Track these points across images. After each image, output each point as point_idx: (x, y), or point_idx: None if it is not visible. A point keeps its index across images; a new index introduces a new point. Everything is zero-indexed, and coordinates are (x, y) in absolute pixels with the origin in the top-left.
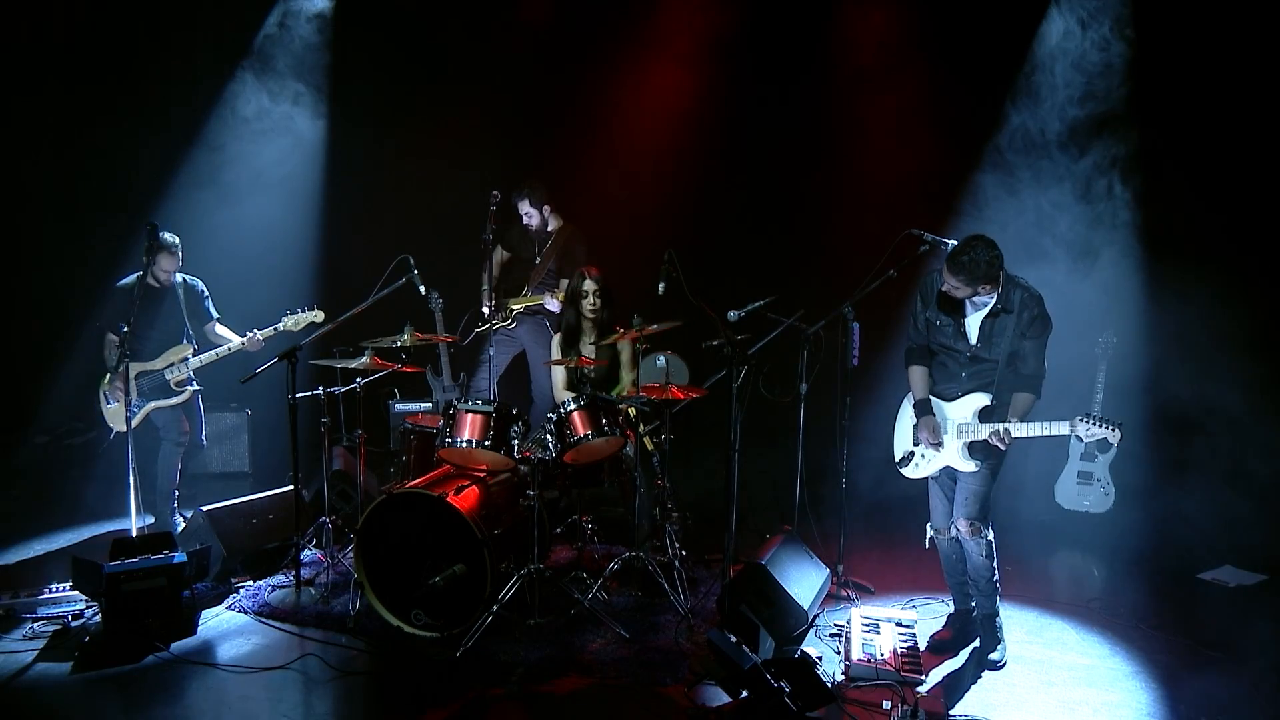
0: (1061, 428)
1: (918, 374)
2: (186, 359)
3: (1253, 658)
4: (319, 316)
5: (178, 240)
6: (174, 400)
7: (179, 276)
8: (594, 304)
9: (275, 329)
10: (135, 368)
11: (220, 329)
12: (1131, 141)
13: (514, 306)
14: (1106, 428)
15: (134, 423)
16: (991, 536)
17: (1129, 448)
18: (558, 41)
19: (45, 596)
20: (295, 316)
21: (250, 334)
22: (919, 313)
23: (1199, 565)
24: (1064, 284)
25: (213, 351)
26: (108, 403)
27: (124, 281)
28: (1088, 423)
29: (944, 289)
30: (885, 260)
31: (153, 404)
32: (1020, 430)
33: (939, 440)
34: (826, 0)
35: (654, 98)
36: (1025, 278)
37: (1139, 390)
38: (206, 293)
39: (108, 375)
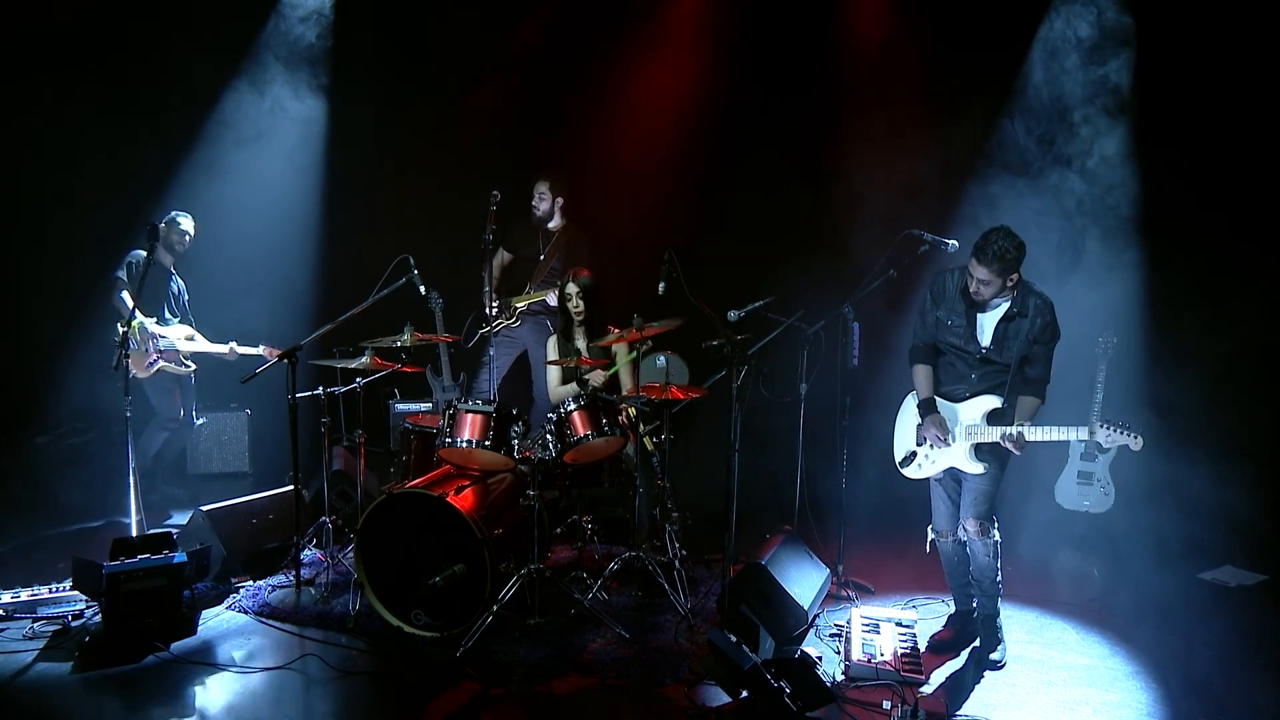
0: (1080, 433)
1: (922, 373)
2: (192, 338)
3: (1252, 658)
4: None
5: (189, 219)
6: (181, 370)
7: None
8: (578, 305)
9: (255, 351)
10: (154, 327)
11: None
12: (1133, 141)
13: (517, 304)
14: (1128, 434)
15: (153, 370)
16: (998, 537)
17: (1129, 448)
18: (559, 41)
19: (45, 596)
20: (270, 349)
21: (230, 345)
22: (928, 310)
23: (1199, 565)
24: (1063, 283)
25: (206, 347)
26: (131, 347)
27: (137, 253)
28: (1108, 428)
29: (971, 290)
30: (885, 260)
31: (165, 365)
32: (1035, 434)
33: (946, 439)
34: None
35: (655, 98)
36: (1036, 283)
37: (1139, 390)
38: (186, 295)
39: (130, 323)
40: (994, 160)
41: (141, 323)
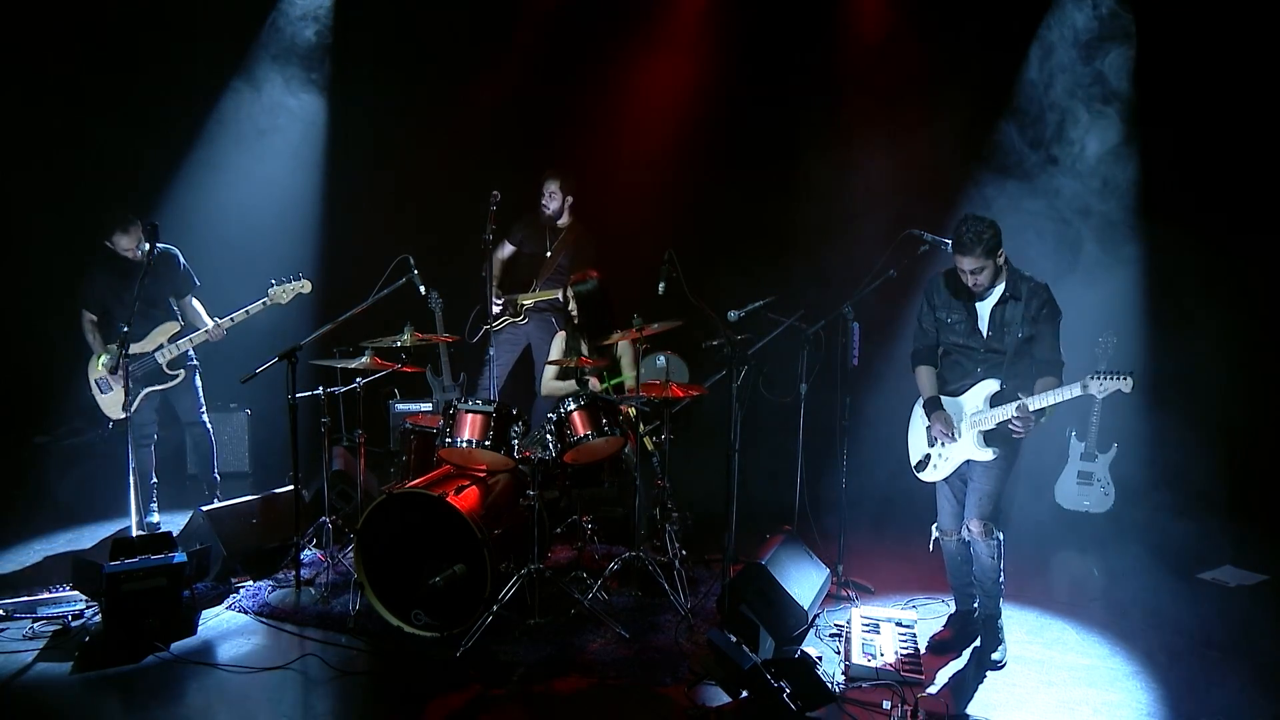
0: (1074, 390)
1: (925, 374)
2: (176, 339)
3: (1252, 657)
4: (306, 287)
5: (130, 216)
6: (168, 385)
7: (148, 245)
8: (573, 309)
9: (263, 303)
10: (130, 348)
11: (197, 304)
12: (1132, 138)
13: (524, 302)
14: (1118, 379)
15: (132, 408)
16: (1001, 538)
17: (1129, 448)
18: (560, 39)
19: (45, 596)
20: (282, 286)
21: (215, 322)
22: (925, 314)
23: (1199, 565)
24: (1065, 283)
25: (187, 337)
26: (101, 391)
27: (99, 258)
28: (1100, 379)
29: (970, 285)
30: (885, 260)
31: (146, 390)
32: (1035, 402)
33: (953, 433)
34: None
35: (654, 97)
36: (1027, 270)
37: (1138, 390)
38: (183, 261)
39: (95, 360)
40: (993, 159)
41: (105, 360)
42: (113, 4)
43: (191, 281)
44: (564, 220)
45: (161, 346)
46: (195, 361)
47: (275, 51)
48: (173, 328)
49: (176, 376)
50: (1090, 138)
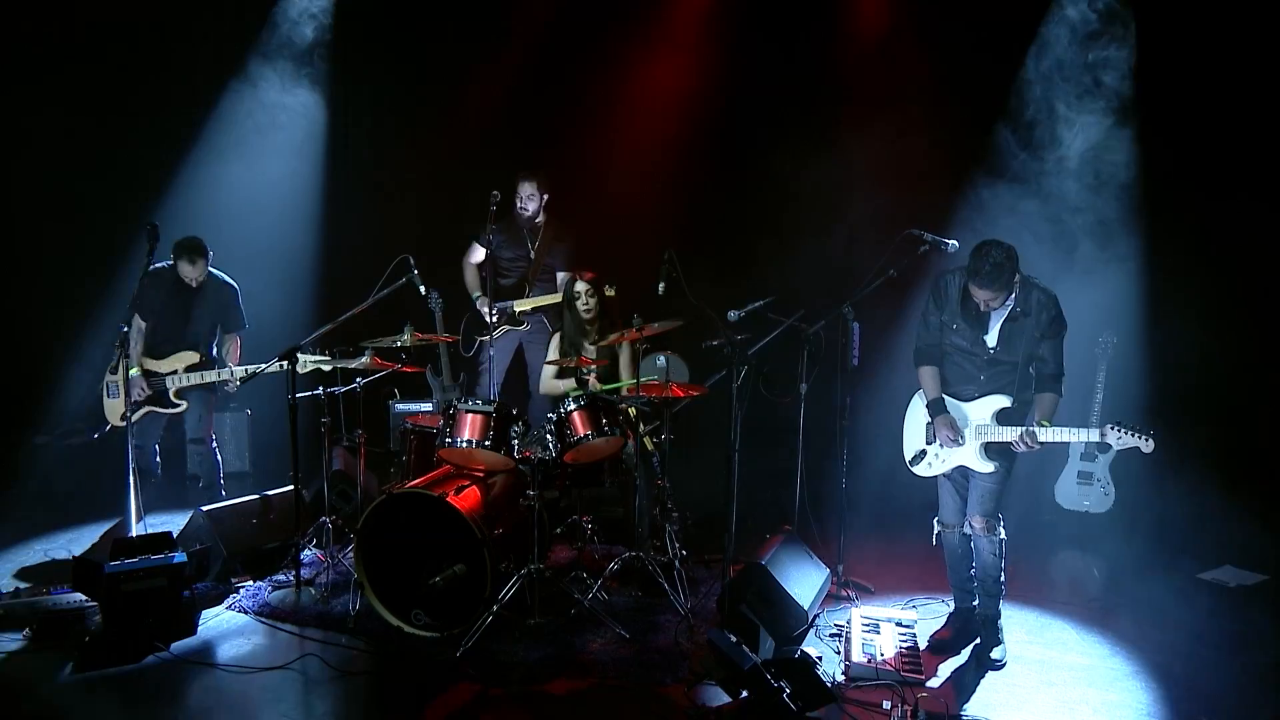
0: (1091, 434)
1: (929, 374)
2: (193, 370)
3: (1252, 657)
4: (327, 366)
5: (201, 243)
6: (169, 411)
7: (211, 271)
8: (588, 304)
9: (280, 365)
10: (146, 363)
11: (237, 345)
12: (1132, 138)
13: (520, 309)
14: (1139, 437)
15: (134, 418)
16: (1004, 535)
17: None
18: (558, 41)
19: (45, 596)
20: (305, 357)
21: (231, 371)
22: (931, 313)
23: (1199, 565)
24: (1063, 283)
25: (200, 374)
26: (109, 395)
27: (156, 266)
28: (1119, 431)
29: (981, 309)
30: (885, 260)
31: (147, 409)
32: (1046, 435)
33: (958, 438)
34: None
35: (655, 96)
36: (1038, 277)
37: (1139, 390)
38: (239, 298)
39: (123, 363)
40: (992, 159)
41: (135, 373)
42: (113, 4)
43: (242, 321)
44: (540, 219)
45: (176, 372)
46: (232, 389)
47: (274, 50)
48: (191, 357)
49: (179, 406)
50: (1088, 136)
